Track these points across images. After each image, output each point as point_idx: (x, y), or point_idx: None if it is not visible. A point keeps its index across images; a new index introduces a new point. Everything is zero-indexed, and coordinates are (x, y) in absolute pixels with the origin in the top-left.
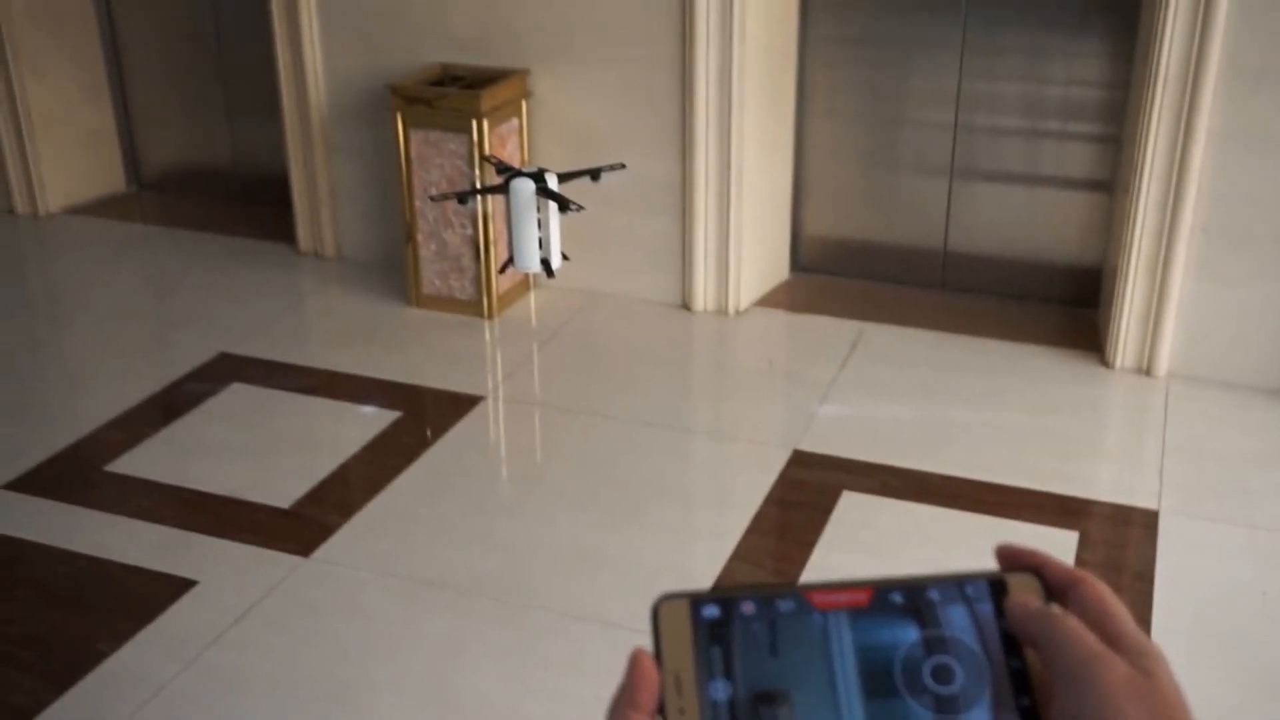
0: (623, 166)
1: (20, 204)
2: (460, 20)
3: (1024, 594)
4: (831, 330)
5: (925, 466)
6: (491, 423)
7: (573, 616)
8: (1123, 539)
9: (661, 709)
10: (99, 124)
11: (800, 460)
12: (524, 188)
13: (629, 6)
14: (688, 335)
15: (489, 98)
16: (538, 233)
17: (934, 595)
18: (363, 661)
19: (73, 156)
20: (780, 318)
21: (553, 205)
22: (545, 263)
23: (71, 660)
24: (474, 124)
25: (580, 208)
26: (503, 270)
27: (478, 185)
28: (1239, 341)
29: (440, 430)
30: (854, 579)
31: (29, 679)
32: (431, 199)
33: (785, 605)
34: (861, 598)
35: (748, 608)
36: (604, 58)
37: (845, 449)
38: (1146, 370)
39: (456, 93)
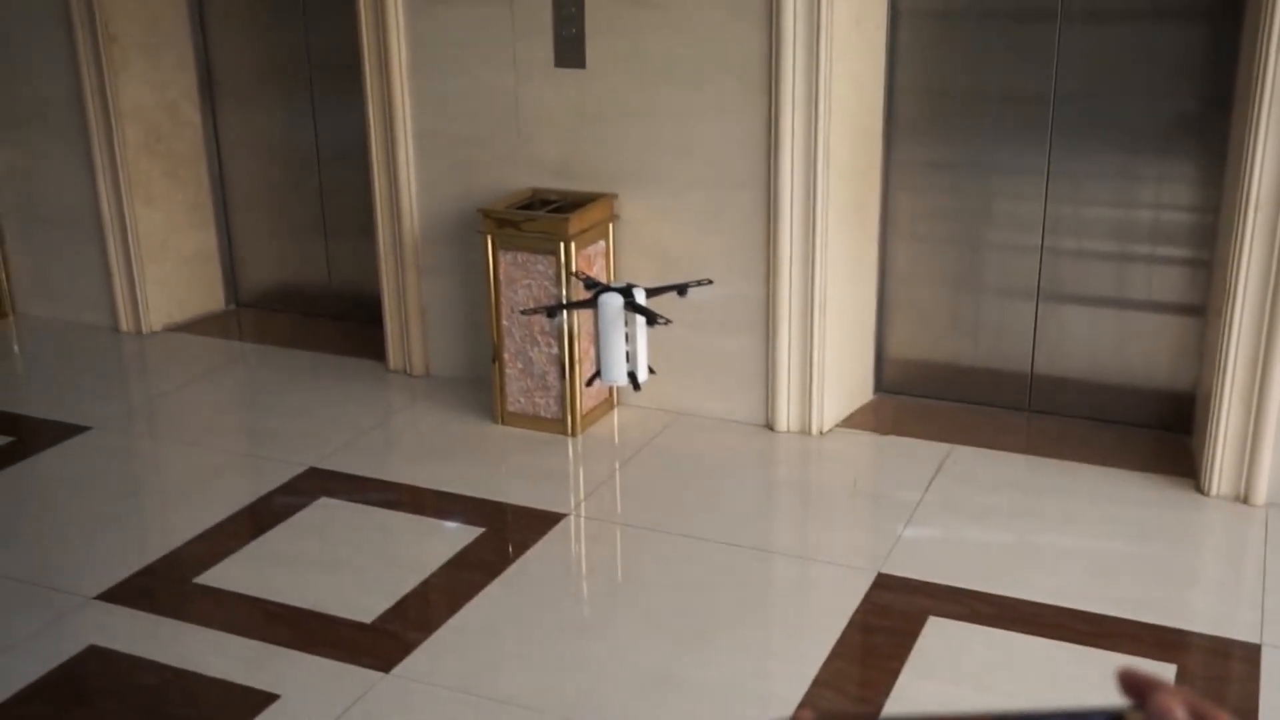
0: (710, 282)
1: (125, 322)
2: (550, 146)
3: None
4: (917, 452)
5: (1014, 593)
6: (573, 541)
7: None
8: (1223, 673)
9: None
10: (202, 246)
11: (885, 584)
12: (612, 302)
13: (715, 132)
14: (771, 455)
15: (577, 221)
16: (625, 346)
17: None
18: None
19: (176, 277)
20: (864, 439)
21: (640, 319)
22: (632, 376)
23: None
24: (562, 246)
25: (667, 321)
26: (590, 383)
27: (565, 301)
28: None
29: (522, 547)
30: (969, 712)
31: None
32: (521, 313)
33: None
34: None
35: None
36: (690, 181)
37: (931, 573)
38: (1244, 498)
39: (545, 216)
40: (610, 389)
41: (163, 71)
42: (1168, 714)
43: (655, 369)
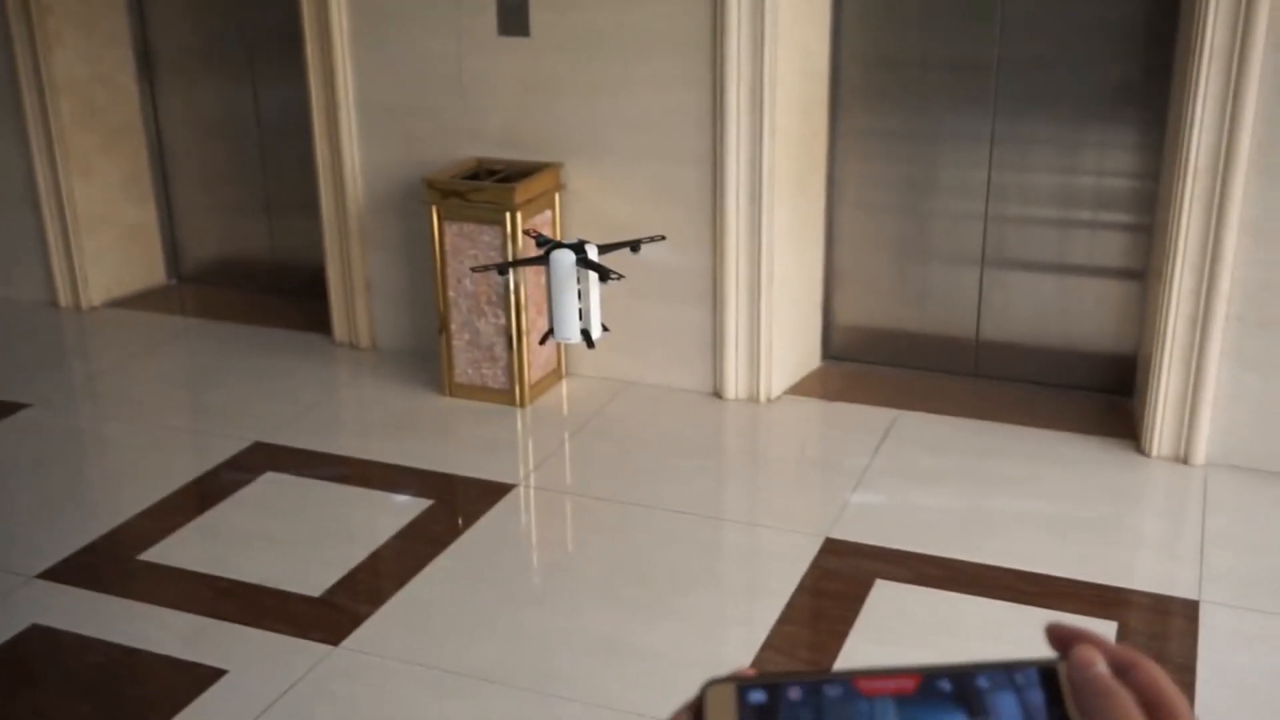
0: (663, 238)
1: (63, 297)
2: (494, 116)
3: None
4: (864, 418)
5: (960, 555)
6: (522, 511)
7: (603, 706)
8: (1163, 630)
9: None
10: (141, 219)
11: (833, 548)
12: (564, 259)
13: (661, 101)
14: (719, 423)
15: (523, 190)
16: (578, 304)
17: (982, 683)
18: None
19: (115, 251)
20: (812, 405)
21: (593, 276)
22: (585, 333)
23: None
24: (508, 216)
25: (620, 276)
26: (543, 342)
27: (515, 258)
28: (1276, 429)
29: (471, 519)
30: (902, 665)
31: None
32: (471, 270)
33: (832, 692)
34: (909, 684)
35: (794, 694)
36: (636, 151)
37: (879, 537)
38: (1184, 458)
39: (491, 186)
40: (558, 359)
41: (97, 43)
42: (1088, 665)
43: (602, 341)
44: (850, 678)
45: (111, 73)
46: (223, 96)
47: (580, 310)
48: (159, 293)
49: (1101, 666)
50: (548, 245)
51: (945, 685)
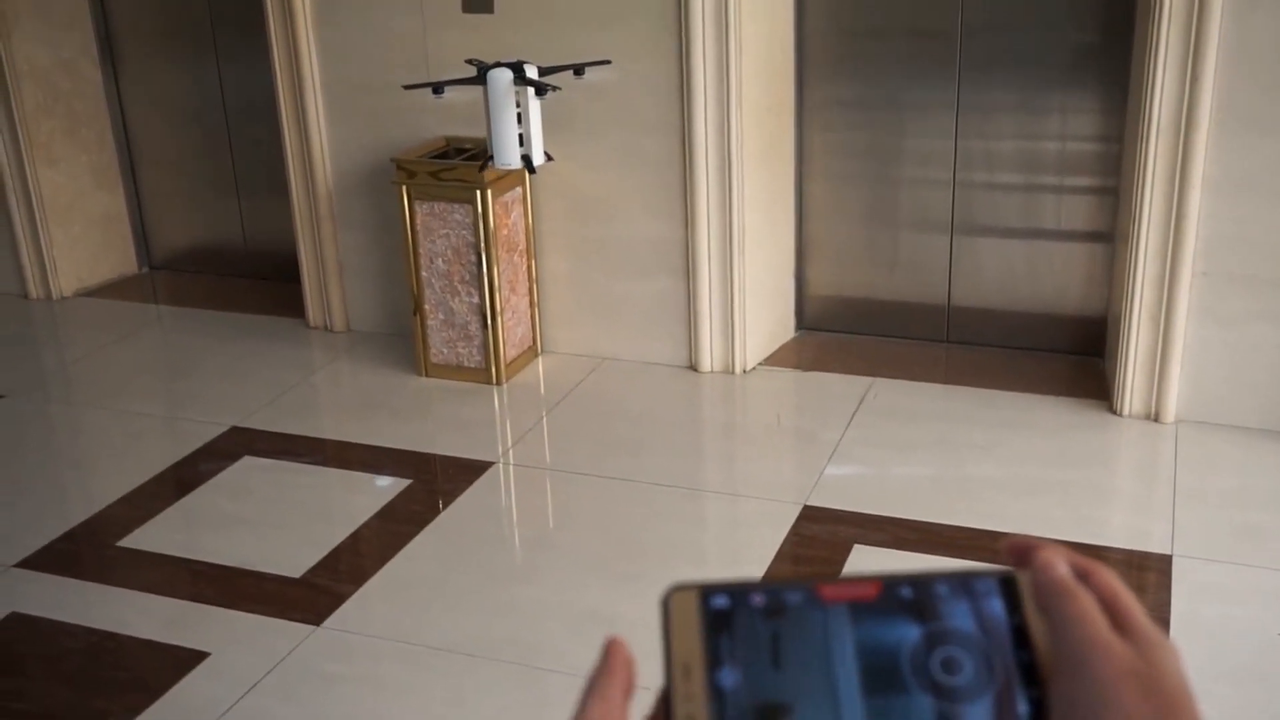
0: (608, 62)
1: (34, 288)
2: (460, 93)
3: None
4: (839, 386)
5: (937, 519)
6: (502, 488)
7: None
8: (1138, 584)
9: (667, 699)
10: (111, 208)
11: (811, 516)
12: (501, 77)
13: (627, 73)
14: (695, 396)
15: (492, 168)
16: (517, 128)
17: (942, 590)
18: None
19: (85, 240)
20: (787, 376)
21: (533, 101)
22: (526, 159)
23: None
24: (478, 195)
25: (557, 88)
26: (483, 168)
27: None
28: (1245, 384)
29: (451, 497)
30: (864, 574)
31: None
32: (404, 88)
33: (793, 598)
34: (870, 591)
35: (756, 600)
36: (604, 125)
37: (856, 503)
38: (1154, 416)
39: (460, 164)
40: (534, 336)
41: (55, 28)
42: (1051, 568)
43: (576, 316)
44: (813, 584)
45: (74, 59)
46: (187, 80)
47: (520, 136)
48: (131, 281)
49: (1064, 568)
50: (484, 68)
51: (906, 593)
